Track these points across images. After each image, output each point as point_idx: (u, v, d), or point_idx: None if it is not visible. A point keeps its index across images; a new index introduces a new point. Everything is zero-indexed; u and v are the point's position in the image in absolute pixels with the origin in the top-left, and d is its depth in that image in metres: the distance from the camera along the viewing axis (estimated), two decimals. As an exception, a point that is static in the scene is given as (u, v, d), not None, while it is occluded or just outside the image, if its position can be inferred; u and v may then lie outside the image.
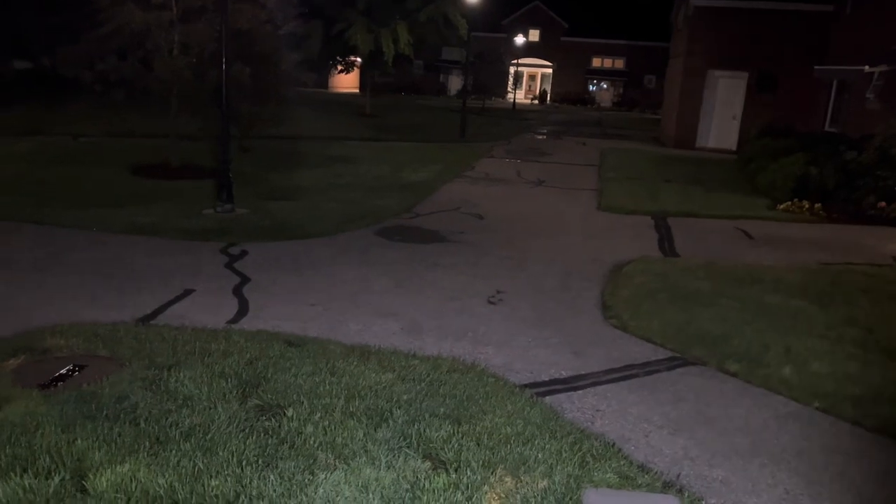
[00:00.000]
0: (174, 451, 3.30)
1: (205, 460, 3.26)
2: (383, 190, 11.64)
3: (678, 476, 3.59)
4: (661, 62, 34.35)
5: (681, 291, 6.53)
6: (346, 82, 47.05)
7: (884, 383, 4.69)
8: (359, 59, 30.03)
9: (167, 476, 3.10)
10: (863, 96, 16.18)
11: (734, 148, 21.64)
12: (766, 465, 3.76)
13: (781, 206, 11.57)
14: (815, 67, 18.37)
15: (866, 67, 15.36)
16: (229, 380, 4.14)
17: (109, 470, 3.09)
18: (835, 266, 7.90)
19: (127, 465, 3.14)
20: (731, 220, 10.64)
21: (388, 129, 23.15)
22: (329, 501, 3.04)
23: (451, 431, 3.70)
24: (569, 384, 4.67)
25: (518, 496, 3.19)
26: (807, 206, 11.38)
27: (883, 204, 10.91)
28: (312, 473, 3.24)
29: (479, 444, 3.61)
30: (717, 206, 11.66)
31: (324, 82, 46.85)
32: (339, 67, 31.23)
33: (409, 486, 3.20)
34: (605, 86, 57.06)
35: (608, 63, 55.98)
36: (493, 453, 3.54)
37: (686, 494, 3.40)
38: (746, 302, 6.27)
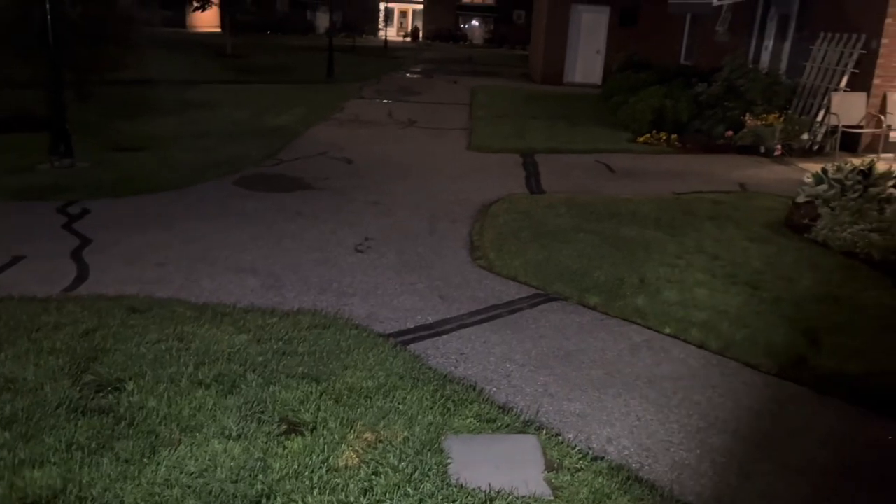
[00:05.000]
0: (-10, 444, 2.95)
1: (27, 449, 2.94)
2: (244, 136, 11.01)
3: (537, 413, 3.64)
4: (529, -3, 34.47)
5: (543, 228, 6.64)
6: (207, 21, 43.81)
7: (725, 307, 4.99)
8: (215, -6, 28.11)
9: (-20, 473, 2.76)
10: (713, 29, 16.95)
11: (599, 82, 22.21)
12: (620, 394, 3.89)
13: (641, 139, 12.02)
14: (669, 2, 18.81)
15: (715, 0, 16.01)
16: (61, 356, 3.76)
17: None
18: (686, 195, 8.31)
19: (-70, 466, 2.77)
20: (594, 154, 10.92)
21: (250, 71, 21.94)
22: (170, 481, 2.83)
23: (309, 391, 3.56)
24: (434, 329, 4.62)
25: (377, 451, 3.11)
26: (664, 137, 11.90)
27: (730, 133, 11.57)
28: (153, 452, 3.00)
29: (338, 402, 3.49)
30: (582, 140, 11.95)
31: (181, 21, 43.56)
32: (195, 3, 29.09)
33: (261, 455, 3.03)
34: (476, 22, 56.85)
35: (478, -1, 55.79)
36: (353, 410, 3.43)
37: (545, 431, 3.45)
38: (604, 235, 6.46)
